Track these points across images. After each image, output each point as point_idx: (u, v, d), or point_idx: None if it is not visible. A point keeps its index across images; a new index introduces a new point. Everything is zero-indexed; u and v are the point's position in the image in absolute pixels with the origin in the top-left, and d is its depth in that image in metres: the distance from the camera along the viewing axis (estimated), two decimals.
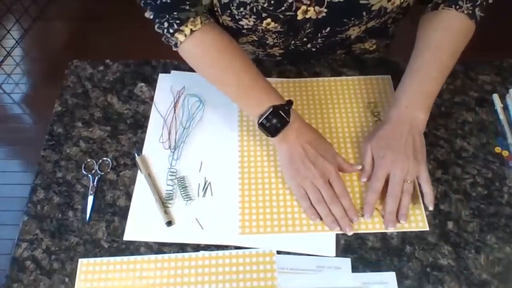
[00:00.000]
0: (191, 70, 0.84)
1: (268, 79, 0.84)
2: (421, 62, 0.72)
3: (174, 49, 0.73)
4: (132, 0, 0.74)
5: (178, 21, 0.70)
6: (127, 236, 0.68)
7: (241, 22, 0.75)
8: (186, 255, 0.66)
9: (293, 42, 0.81)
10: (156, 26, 0.72)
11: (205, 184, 0.73)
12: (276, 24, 0.74)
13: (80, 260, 0.66)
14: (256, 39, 0.81)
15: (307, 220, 0.68)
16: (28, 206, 0.71)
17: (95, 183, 0.73)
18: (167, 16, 0.70)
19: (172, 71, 0.86)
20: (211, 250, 0.66)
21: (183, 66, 0.86)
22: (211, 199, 0.71)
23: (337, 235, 0.67)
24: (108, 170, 0.75)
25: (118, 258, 0.66)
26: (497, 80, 0.83)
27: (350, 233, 0.66)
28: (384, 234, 0.67)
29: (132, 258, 0.66)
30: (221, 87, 0.74)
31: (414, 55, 0.73)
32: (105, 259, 0.66)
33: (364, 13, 0.72)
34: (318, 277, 0.63)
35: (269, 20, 0.72)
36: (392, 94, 0.81)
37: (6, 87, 2.10)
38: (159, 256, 0.66)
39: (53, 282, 0.64)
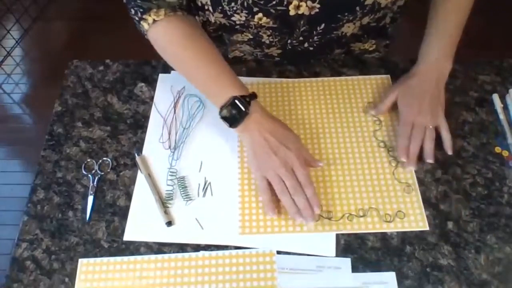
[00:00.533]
0: None
1: (268, 79, 0.84)
2: (441, 18, 0.77)
3: (145, 37, 0.75)
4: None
5: (141, 10, 0.71)
6: (127, 236, 0.68)
7: (233, 18, 0.75)
8: (186, 255, 0.66)
9: (289, 41, 0.81)
10: (128, 12, 0.74)
11: (205, 184, 0.73)
12: (268, 20, 0.74)
13: (80, 260, 0.66)
14: (251, 37, 0.81)
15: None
16: (28, 206, 0.71)
17: (95, 183, 0.73)
18: (132, 3, 0.71)
19: (172, 71, 0.86)
20: (211, 250, 0.66)
21: None
22: (211, 199, 0.71)
23: (337, 235, 0.67)
24: (108, 170, 0.75)
25: (118, 258, 0.66)
26: (497, 80, 0.83)
27: (311, 223, 0.66)
28: (384, 234, 0.67)
29: (132, 258, 0.66)
30: (187, 78, 0.75)
31: (434, 10, 0.78)
32: (105, 259, 0.66)
33: (357, 8, 0.72)
34: (318, 277, 0.63)
35: (260, 15, 0.72)
36: None
37: (6, 87, 2.10)
38: (159, 256, 0.66)
39: (53, 282, 0.64)
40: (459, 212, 0.69)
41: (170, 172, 0.73)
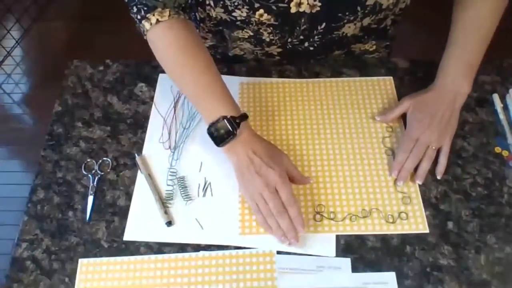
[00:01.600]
0: None
1: (268, 79, 0.84)
2: (462, 35, 0.74)
3: (144, 37, 0.73)
4: None
5: (145, 8, 0.70)
6: (127, 236, 0.68)
7: (234, 14, 0.75)
8: (186, 255, 0.66)
9: (289, 40, 0.81)
10: (129, 11, 0.72)
11: (205, 184, 0.73)
12: (269, 16, 0.73)
13: (80, 260, 0.66)
14: (252, 34, 0.80)
15: (308, 220, 0.68)
16: (28, 206, 0.71)
17: (95, 183, 0.73)
18: (136, 0, 0.70)
19: None
20: (211, 250, 0.66)
21: None
22: (211, 199, 0.71)
23: (337, 235, 0.67)
24: (108, 170, 0.75)
25: (118, 258, 0.66)
26: (497, 80, 0.83)
27: (295, 245, 0.65)
28: (384, 234, 0.67)
29: (132, 258, 0.66)
30: (179, 86, 0.75)
31: (454, 29, 0.75)
32: (105, 259, 0.66)
33: (358, 8, 0.72)
34: (318, 277, 0.63)
35: (261, 11, 0.72)
36: (394, 96, 0.82)
37: (6, 87, 2.10)
38: (159, 256, 0.66)
39: (53, 282, 0.64)
40: (459, 212, 0.69)
41: (170, 172, 0.73)
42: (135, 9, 0.71)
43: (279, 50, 0.86)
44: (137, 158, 0.75)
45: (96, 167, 0.75)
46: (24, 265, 0.66)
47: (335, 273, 0.63)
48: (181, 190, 0.71)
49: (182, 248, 0.67)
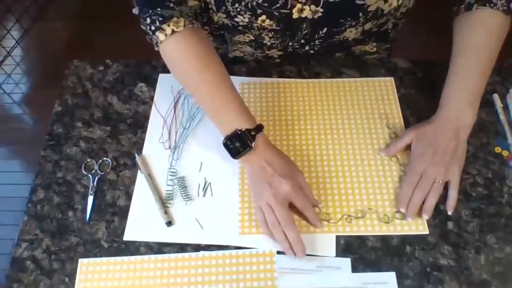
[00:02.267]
0: None
1: (269, 79, 0.84)
2: (464, 64, 0.72)
3: (155, 48, 0.73)
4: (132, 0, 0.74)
5: (160, 18, 0.69)
6: (127, 236, 0.68)
7: (236, 19, 0.75)
8: (186, 255, 0.66)
9: (290, 43, 0.81)
10: (141, 23, 0.72)
11: (205, 184, 0.73)
12: (271, 22, 0.73)
13: (80, 260, 0.66)
14: (253, 38, 0.81)
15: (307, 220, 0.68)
16: (28, 206, 0.71)
17: (95, 183, 0.73)
18: (151, 11, 0.70)
19: None
20: (211, 250, 0.66)
21: None
22: (211, 199, 0.71)
23: (337, 235, 0.67)
24: (108, 170, 0.75)
25: (118, 258, 0.66)
26: (497, 80, 0.83)
27: (302, 257, 0.63)
28: (384, 234, 0.67)
29: (132, 258, 0.66)
30: (195, 97, 0.75)
31: (455, 58, 0.73)
32: (105, 259, 0.66)
33: (360, 14, 0.71)
34: (318, 277, 0.63)
35: (264, 17, 0.72)
36: (395, 97, 0.81)
37: (6, 87, 2.10)
38: (159, 256, 0.66)
39: (53, 282, 0.64)
40: (459, 212, 0.69)
41: (170, 172, 0.73)
42: (148, 20, 0.70)
43: (280, 53, 0.86)
44: (137, 158, 0.75)
45: (96, 167, 0.75)
46: (24, 265, 0.66)
47: (335, 273, 0.63)
48: (181, 190, 0.71)
49: (182, 248, 0.66)
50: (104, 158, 0.76)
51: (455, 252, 0.65)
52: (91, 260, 0.66)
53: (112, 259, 0.66)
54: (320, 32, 0.77)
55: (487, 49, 0.72)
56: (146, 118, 0.81)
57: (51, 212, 0.71)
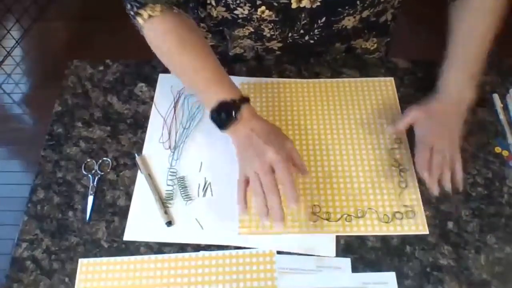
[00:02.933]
0: None
1: (269, 79, 0.84)
2: (461, 45, 0.74)
3: (141, 33, 0.74)
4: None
5: (137, 4, 0.70)
6: (127, 236, 0.68)
7: (236, 12, 0.75)
8: (186, 255, 0.66)
9: (290, 34, 0.81)
10: (126, 9, 0.73)
11: (205, 184, 0.73)
12: (271, 13, 0.74)
13: (80, 260, 0.66)
14: (253, 30, 0.81)
15: (307, 220, 0.68)
16: (28, 206, 0.71)
17: (95, 183, 0.73)
18: None
19: None
20: (211, 250, 0.66)
21: None
22: (211, 199, 0.71)
23: (337, 235, 0.67)
24: (108, 170, 0.75)
25: (118, 258, 0.66)
26: (497, 80, 0.83)
27: (280, 229, 0.63)
28: (384, 234, 0.67)
29: (132, 258, 0.66)
30: (178, 77, 0.74)
31: (452, 39, 0.75)
32: (105, 259, 0.66)
33: (358, 2, 0.72)
34: (318, 277, 0.63)
35: (263, 8, 0.73)
36: (395, 97, 0.82)
37: (6, 87, 2.10)
38: (159, 256, 0.66)
39: (53, 282, 0.64)
40: (459, 212, 0.69)
41: (170, 172, 0.73)
42: (128, 6, 0.72)
43: (280, 45, 0.86)
44: (137, 158, 0.75)
45: (96, 167, 0.75)
46: (24, 265, 0.66)
47: (335, 273, 0.63)
48: (181, 190, 0.71)
49: (182, 248, 0.66)
50: (104, 158, 0.76)
51: (455, 252, 0.65)
52: (91, 260, 0.66)
53: (112, 259, 0.66)
54: (319, 22, 0.77)
55: (484, 30, 0.74)
56: (146, 118, 0.81)
57: (51, 212, 0.71)
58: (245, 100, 0.68)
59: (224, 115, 0.67)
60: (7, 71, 2.15)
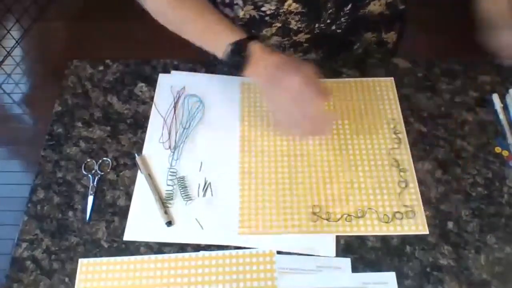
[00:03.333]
0: (191, 70, 0.85)
1: None
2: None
3: (144, 7, 0.73)
4: (132, 0, 0.74)
5: None
6: (127, 236, 0.68)
7: (263, 8, 0.76)
8: (186, 255, 0.66)
9: (317, 25, 0.81)
10: None
11: (205, 184, 0.73)
12: (298, 5, 0.75)
13: (80, 260, 0.66)
14: (280, 25, 0.81)
15: (307, 220, 0.68)
16: (28, 206, 0.71)
17: (95, 183, 0.73)
18: None
19: (172, 71, 0.86)
20: (211, 250, 0.66)
21: (183, 66, 0.86)
22: (211, 199, 0.71)
23: (337, 235, 0.67)
24: (108, 170, 0.75)
25: (118, 258, 0.66)
26: (497, 80, 0.83)
27: (329, 134, 0.68)
28: (384, 234, 0.67)
29: (132, 258, 0.66)
30: (181, 34, 0.73)
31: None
32: (105, 259, 0.66)
33: None
34: (318, 277, 0.63)
35: (290, 1, 0.74)
36: (395, 97, 0.81)
37: (6, 87, 2.10)
38: (159, 256, 0.66)
39: (53, 282, 0.64)
40: (459, 212, 0.69)
41: (170, 172, 0.73)
42: None
43: (307, 36, 0.85)
44: (137, 158, 0.75)
45: (96, 167, 0.75)
46: (24, 265, 0.66)
47: (335, 273, 0.63)
48: (181, 190, 0.71)
49: (182, 248, 0.66)
50: (104, 158, 0.76)
51: (455, 252, 0.65)
52: (91, 260, 0.66)
53: (112, 259, 0.66)
54: (345, 9, 0.78)
55: None
56: (146, 118, 0.81)
57: (51, 212, 0.71)
58: (253, 37, 0.68)
59: (236, 58, 0.67)
60: (7, 71, 2.15)
